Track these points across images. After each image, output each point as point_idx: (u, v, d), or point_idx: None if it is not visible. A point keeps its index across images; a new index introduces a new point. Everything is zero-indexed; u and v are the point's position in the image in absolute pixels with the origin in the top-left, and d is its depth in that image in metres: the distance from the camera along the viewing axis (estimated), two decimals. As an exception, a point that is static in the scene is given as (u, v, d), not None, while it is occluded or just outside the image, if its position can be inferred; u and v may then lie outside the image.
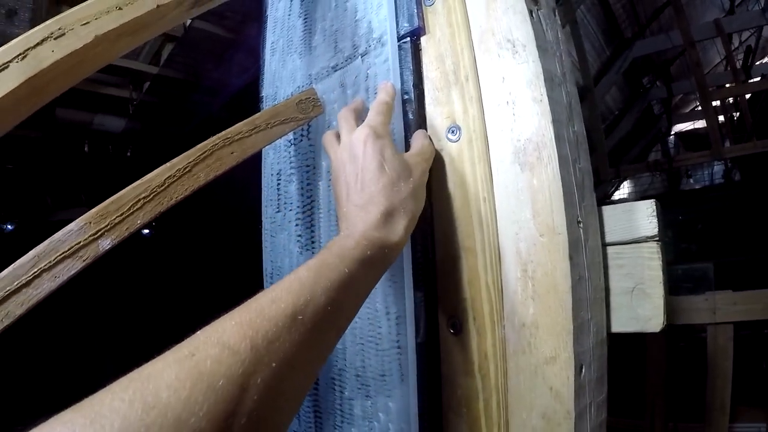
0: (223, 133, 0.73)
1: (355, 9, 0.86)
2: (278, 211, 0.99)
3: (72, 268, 0.62)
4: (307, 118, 0.84)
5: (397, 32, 0.78)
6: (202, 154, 0.71)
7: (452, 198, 0.69)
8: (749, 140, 5.34)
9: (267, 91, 1.07)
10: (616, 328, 0.67)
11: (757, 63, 7.56)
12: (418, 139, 0.70)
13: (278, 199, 0.99)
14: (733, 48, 6.84)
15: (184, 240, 5.13)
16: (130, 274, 4.59)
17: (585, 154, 0.69)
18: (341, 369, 0.82)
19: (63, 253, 0.62)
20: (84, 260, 0.63)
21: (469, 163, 0.68)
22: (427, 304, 0.70)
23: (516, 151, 0.63)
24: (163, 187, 0.67)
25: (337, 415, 0.82)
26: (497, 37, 0.67)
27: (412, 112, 0.74)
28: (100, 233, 0.64)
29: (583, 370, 0.59)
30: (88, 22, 0.65)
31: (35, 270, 0.60)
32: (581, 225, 0.62)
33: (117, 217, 0.65)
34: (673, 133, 9.86)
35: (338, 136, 0.72)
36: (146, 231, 5.15)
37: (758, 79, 6.63)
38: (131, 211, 0.66)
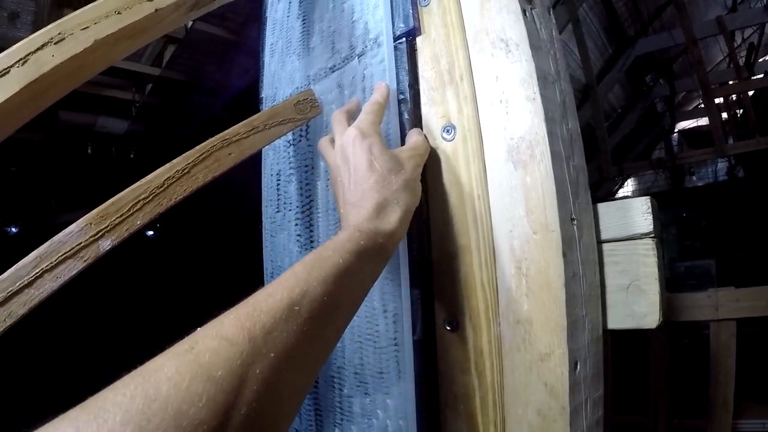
0: (222, 134, 0.74)
1: (352, 10, 0.86)
2: (278, 211, 1.00)
3: (73, 268, 0.63)
4: (305, 118, 0.85)
5: (393, 33, 0.78)
6: (200, 155, 0.71)
7: (448, 196, 0.70)
8: (752, 137, 5.33)
9: (266, 92, 1.08)
10: (612, 325, 0.68)
11: (760, 60, 7.54)
12: (412, 136, 0.71)
13: (278, 200, 1.00)
14: (735, 45, 6.83)
15: (187, 241, 5.14)
16: (134, 274, 4.60)
17: (579, 152, 0.70)
18: (340, 367, 0.83)
19: (64, 253, 0.62)
20: (85, 261, 0.64)
21: (463, 162, 0.68)
22: (424, 301, 0.70)
23: (509, 149, 0.64)
24: (162, 189, 0.68)
25: (337, 413, 0.83)
26: (491, 37, 0.68)
27: (408, 111, 0.75)
28: (100, 234, 0.64)
29: (578, 367, 0.60)
30: (87, 27, 0.66)
31: (37, 270, 0.61)
32: (575, 222, 0.63)
33: (117, 218, 0.65)
34: (676, 130, 9.85)
35: (333, 141, 0.73)
36: (150, 232, 5.18)
37: (761, 76, 6.62)
38: (131, 212, 0.66)
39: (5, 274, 0.60)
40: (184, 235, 5.08)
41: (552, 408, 0.59)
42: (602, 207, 0.70)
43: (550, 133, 0.61)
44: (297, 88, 0.97)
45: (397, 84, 0.76)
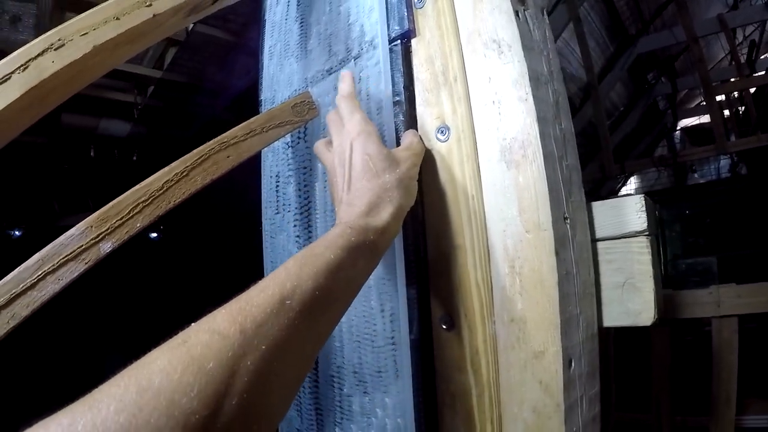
0: (220, 137, 0.75)
1: (348, 13, 0.87)
2: (277, 213, 1.01)
3: (75, 270, 0.64)
4: (303, 121, 0.85)
5: (389, 35, 0.79)
6: (199, 158, 0.72)
7: (442, 196, 0.71)
8: (754, 134, 5.33)
9: (265, 94, 1.09)
10: (607, 322, 0.68)
11: (762, 57, 7.53)
12: (407, 136, 0.72)
13: (277, 201, 1.01)
14: (737, 43, 6.82)
15: (189, 242, 5.16)
16: (139, 275, 4.62)
17: (573, 151, 0.70)
18: (340, 366, 0.83)
19: (66, 256, 0.63)
20: (86, 263, 0.64)
21: (458, 162, 0.69)
22: (420, 301, 0.71)
23: (502, 149, 0.65)
24: (161, 191, 0.69)
25: (337, 412, 0.84)
26: (483, 38, 0.69)
27: (403, 113, 0.75)
28: (101, 237, 0.65)
29: (573, 364, 0.60)
30: (86, 33, 0.67)
31: (39, 273, 0.62)
32: (568, 221, 0.63)
33: (117, 221, 0.66)
34: (678, 128, 9.83)
35: (329, 143, 0.74)
36: (154, 234, 5.20)
37: (762, 73, 6.61)
38: (131, 214, 0.67)
39: (8, 277, 0.61)
40: (187, 236, 5.09)
41: (547, 405, 0.59)
42: (597, 206, 0.71)
43: (543, 134, 0.62)
44: (295, 90, 0.98)
45: (393, 86, 0.77)
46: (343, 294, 0.56)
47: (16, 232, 4.63)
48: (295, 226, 0.94)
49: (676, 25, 6.21)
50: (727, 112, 7.10)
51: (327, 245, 0.55)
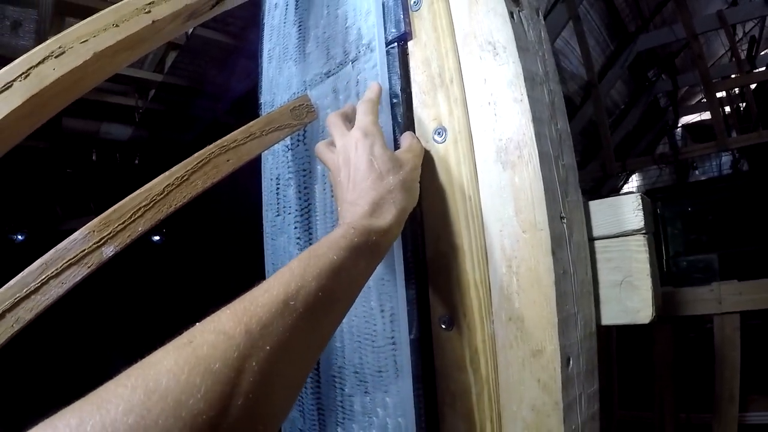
0: (219, 141, 0.76)
1: (346, 16, 0.88)
2: (278, 215, 1.01)
3: (78, 274, 0.65)
4: (302, 124, 0.86)
5: (385, 38, 0.80)
6: (199, 162, 0.73)
7: (440, 197, 0.71)
8: (755, 130, 5.32)
9: (265, 97, 1.09)
10: (606, 320, 0.69)
11: (762, 53, 7.51)
12: (406, 138, 0.73)
13: (278, 204, 1.01)
14: (737, 39, 6.81)
15: (191, 245, 5.16)
16: (142, 278, 4.63)
17: (569, 151, 0.71)
18: (341, 366, 0.84)
19: (69, 260, 0.64)
20: (89, 267, 0.65)
21: (455, 163, 0.70)
22: (419, 301, 0.72)
23: (498, 150, 0.65)
24: (162, 195, 0.70)
25: (339, 412, 0.84)
26: (479, 40, 0.69)
27: (401, 115, 0.76)
28: (103, 241, 0.66)
29: (571, 362, 0.61)
30: (86, 40, 0.67)
31: (43, 277, 0.63)
32: (565, 220, 0.64)
33: (119, 225, 0.67)
34: (680, 125, 9.82)
35: (330, 144, 0.74)
36: (156, 237, 5.21)
37: (763, 69, 6.59)
38: (132, 218, 0.68)
39: (12, 281, 0.62)
40: (189, 239, 5.10)
41: (545, 403, 0.60)
42: (594, 205, 0.71)
43: (538, 134, 0.63)
44: (294, 93, 0.98)
45: (390, 88, 0.78)
46: (346, 294, 0.56)
47: (19, 237, 4.64)
48: (295, 228, 0.95)
49: (676, 22, 6.20)
50: (727, 109, 7.10)
51: (330, 246, 0.55)
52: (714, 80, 5.73)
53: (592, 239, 0.70)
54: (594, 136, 6.09)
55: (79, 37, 0.67)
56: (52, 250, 0.64)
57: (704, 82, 5.37)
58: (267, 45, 1.11)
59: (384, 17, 0.81)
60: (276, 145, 0.87)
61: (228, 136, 0.77)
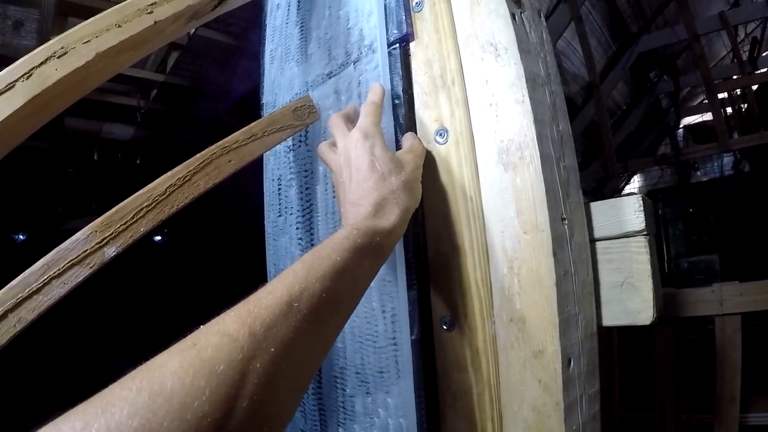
0: (221, 142, 0.76)
1: (348, 17, 0.88)
2: (280, 216, 1.01)
3: (80, 275, 0.65)
4: (303, 125, 0.86)
5: (387, 39, 0.80)
6: (201, 163, 0.73)
7: (442, 198, 0.71)
8: (756, 131, 5.32)
9: (267, 98, 1.10)
10: (607, 322, 0.69)
11: (764, 54, 7.50)
12: (408, 139, 0.73)
13: (279, 204, 1.02)
14: (738, 40, 6.80)
15: (193, 245, 5.17)
16: (144, 278, 4.63)
17: (570, 152, 0.71)
18: (342, 367, 0.84)
19: (71, 260, 0.64)
20: (91, 267, 0.65)
21: (456, 164, 0.70)
22: (421, 301, 0.72)
23: (500, 151, 0.65)
24: (164, 196, 0.70)
25: (340, 412, 0.85)
26: (481, 41, 0.69)
27: (403, 116, 0.76)
28: (105, 241, 0.66)
29: (572, 363, 0.61)
30: (89, 41, 0.68)
31: (45, 277, 0.63)
32: (566, 222, 0.64)
33: (121, 225, 0.67)
34: (681, 126, 9.81)
35: (332, 145, 0.75)
36: (158, 237, 5.21)
37: (765, 70, 6.60)
38: (135, 219, 0.68)
39: (15, 281, 0.62)
40: (191, 239, 5.10)
41: (546, 404, 0.60)
42: (595, 206, 0.71)
43: (540, 135, 0.63)
44: (296, 94, 0.98)
45: (392, 89, 0.78)
46: (349, 295, 0.56)
47: (21, 236, 4.65)
48: (297, 228, 0.95)
49: (678, 23, 6.19)
50: (729, 110, 7.09)
51: (333, 247, 0.55)
52: (716, 81, 5.72)
53: (593, 240, 0.70)
54: (596, 136, 6.08)
55: (82, 37, 0.68)
56: (55, 251, 0.64)
57: (706, 83, 5.37)
58: (269, 46, 1.12)
59: (386, 18, 0.81)
60: (278, 146, 0.87)
61: (230, 136, 0.77)
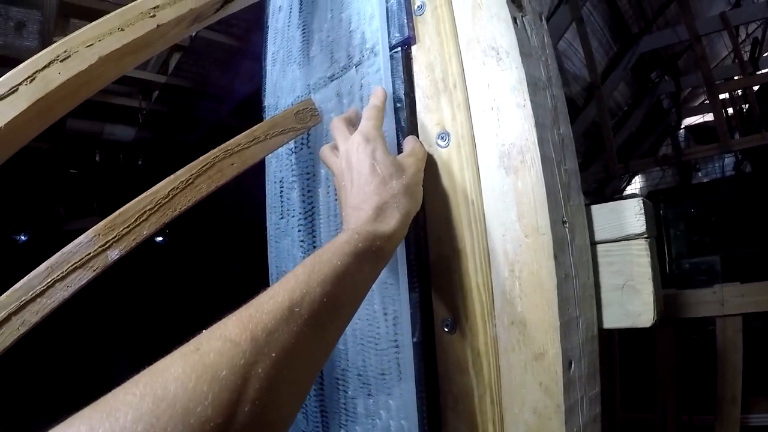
0: (224, 145, 0.76)
1: (350, 20, 0.88)
2: (282, 218, 1.02)
3: (83, 277, 0.65)
4: (305, 127, 0.87)
5: (389, 42, 0.80)
6: (203, 166, 0.73)
7: (443, 202, 0.71)
8: (758, 132, 5.31)
9: (269, 101, 1.10)
10: (607, 324, 0.69)
11: (765, 55, 7.49)
12: (409, 142, 0.73)
13: (281, 206, 1.02)
14: (740, 40, 6.80)
15: (195, 247, 5.17)
16: (145, 279, 4.63)
17: (571, 156, 0.71)
18: (344, 369, 0.84)
19: (74, 263, 0.65)
20: (94, 270, 0.66)
21: (458, 168, 0.70)
22: (422, 304, 0.72)
23: (501, 155, 0.66)
24: (167, 199, 0.71)
25: (342, 414, 0.85)
26: (482, 45, 0.70)
27: (404, 119, 0.76)
28: (108, 244, 0.67)
29: (573, 366, 0.61)
30: (92, 44, 0.68)
31: (49, 280, 0.63)
32: (567, 225, 0.64)
33: (124, 228, 0.68)
34: (683, 126, 9.80)
35: (334, 148, 0.75)
36: (160, 239, 5.21)
37: (766, 70, 6.59)
38: (138, 222, 0.69)
39: (18, 284, 0.62)
40: (193, 241, 5.10)
41: (547, 406, 0.60)
42: (596, 209, 0.71)
43: (541, 139, 0.63)
44: (298, 96, 0.99)
45: (394, 92, 0.78)
46: (350, 300, 0.56)
47: (23, 237, 4.65)
48: (299, 231, 0.96)
49: (679, 24, 6.18)
50: (730, 110, 7.08)
51: (334, 251, 0.56)
52: (717, 82, 5.71)
53: (594, 243, 0.71)
54: (597, 137, 6.08)
55: (85, 41, 0.68)
56: (58, 254, 0.65)
57: (707, 83, 5.36)
58: (271, 48, 1.12)
59: (388, 21, 0.81)
60: (280, 149, 0.87)
61: (232, 140, 0.77)
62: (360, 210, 0.62)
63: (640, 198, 0.67)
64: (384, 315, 0.77)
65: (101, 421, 0.36)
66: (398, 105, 0.77)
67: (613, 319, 0.69)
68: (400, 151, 0.75)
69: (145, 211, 0.69)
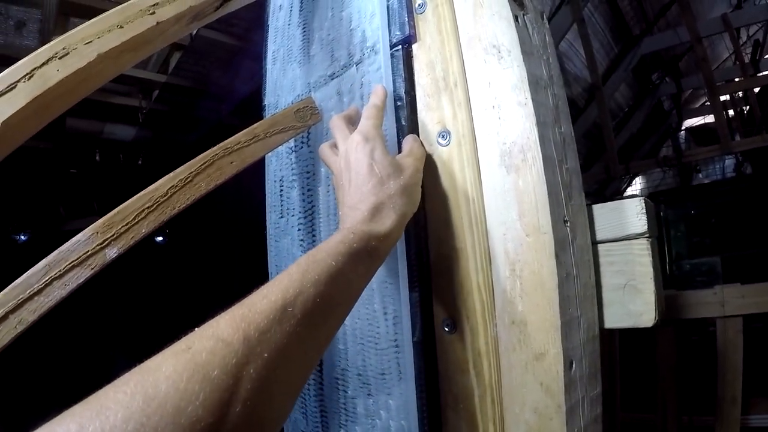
0: (223, 143, 0.76)
1: (350, 18, 0.88)
2: (281, 217, 1.01)
3: (81, 276, 0.65)
4: (306, 126, 0.86)
5: (390, 40, 0.80)
6: (203, 164, 0.73)
7: (444, 201, 0.71)
8: (758, 134, 5.31)
9: (269, 99, 1.10)
10: (609, 324, 0.69)
11: (766, 56, 7.50)
12: (408, 142, 0.73)
13: (281, 205, 1.01)
14: (741, 42, 6.80)
15: (195, 246, 5.17)
16: (144, 278, 4.63)
17: (573, 155, 0.71)
18: (344, 369, 0.84)
19: (72, 262, 0.64)
20: (92, 269, 0.65)
21: (458, 167, 0.70)
22: (422, 304, 0.72)
23: (502, 153, 0.65)
24: (166, 197, 0.70)
25: (342, 414, 0.84)
26: (483, 43, 0.69)
27: (405, 118, 0.76)
28: (106, 242, 0.66)
29: (574, 366, 0.61)
30: (90, 41, 0.68)
31: (46, 279, 0.63)
32: (568, 224, 0.64)
33: (122, 226, 0.67)
34: (683, 128, 9.80)
35: (333, 146, 0.75)
36: (160, 238, 5.21)
37: (767, 72, 6.59)
38: (136, 220, 0.68)
39: (16, 282, 0.62)
40: (193, 240, 5.10)
41: (548, 406, 0.60)
42: (597, 208, 0.71)
43: (542, 138, 0.63)
44: (298, 95, 0.98)
45: (394, 91, 0.78)
46: (344, 299, 0.56)
47: (22, 237, 4.65)
48: (299, 230, 0.95)
49: (680, 25, 6.19)
50: (731, 112, 7.09)
51: (329, 251, 0.55)
52: (718, 83, 5.72)
53: (595, 243, 0.70)
54: (598, 138, 6.09)
55: (84, 38, 0.68)
56: (56, 252, 0.64)
57: (708, 85, 5.36)
58: (271, 47, 1.12)
59: (388, 20, 0.81)
60: (280, 147, 0.87)
61: (232, 138, 0.77)
62: (356, 209, 0.62)
63: (642, 198, 0.67)
64: (384, 314, 0.76)
65: (91, 420, 0.35)
66: (399, 103, 0.77)
67: (614, 319, 0.68)
68: (399, 149, 0.74)
69: (144, 209, 0.69)
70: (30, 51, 0.65)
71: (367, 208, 0.61)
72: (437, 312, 0.72)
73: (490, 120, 0.67)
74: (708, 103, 6.90)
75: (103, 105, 4.30)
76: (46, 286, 0.62)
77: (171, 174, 0.71)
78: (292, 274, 0.51)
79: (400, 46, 0.79)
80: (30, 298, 0.61)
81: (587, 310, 0.66)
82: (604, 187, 7.47)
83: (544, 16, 0.77)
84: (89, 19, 0.69)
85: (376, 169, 0.65)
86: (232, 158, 0.75)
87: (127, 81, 4.21)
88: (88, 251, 0.65)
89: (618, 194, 8.78)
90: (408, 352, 0.72)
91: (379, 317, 0.77)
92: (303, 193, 0.95)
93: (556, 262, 0.60)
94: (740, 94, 6.95)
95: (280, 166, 1.02)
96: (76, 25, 0.69)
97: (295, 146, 0.98)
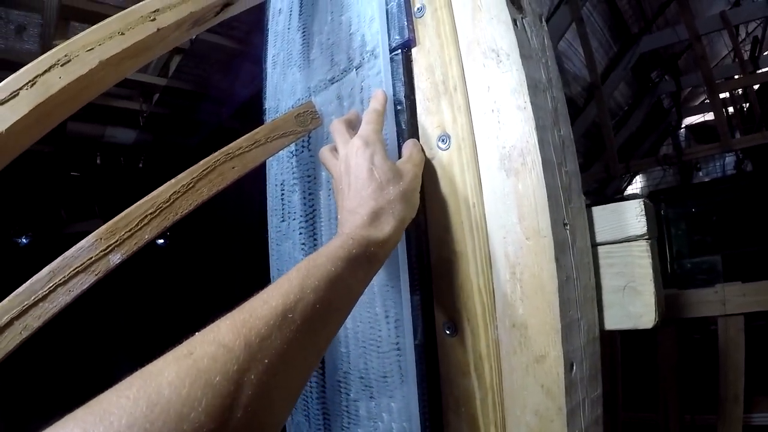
0: (225, 148, 0.76)
1: (350, 23, 0.88)
2: (283, 221, 1.02)
3: (85, 282, 0.65)
4: (306, 130, 0.87)
5: (389, 44, 0.80)
6: (204, 170, 0.74)
7: (444, 204, 0.71)
8: (758, 131, 5.30)
9: (269, 103, 1.10)
10: (609, 326, 0.69)
11: (765, 53, 7.49)
12: (407, 147, 0.73)
13: (282, 209, 1.02)
14: (740, 40, 6.79)
15: (196, 249, 5.17)
16: (146, 281, 4.64)
17: (572, 157, 0.71)
18: (346, 372, 0.84)
19: (76, 268, 0.65)
20: (96, 274, 0.66)
21: (458, 171, 0.70)
22: (424, 307, 0.72)
23: (502, 157, 0.66)
24: (168, 203, 0.71)
25: (344, 417, 0.85)
26: (482, 47, 0.70)
27: (405, 122, 0.76)
28: (110, 248, 0.67)
29: (574, 368, 0.61)
30: (92, 48, 0.68)
31: (51, 285, 0.63)
32: (568, 227, 0.64)
33: (126, 232, 0.68)
34: (683, 126, 9.79)
35: (334, 150, 0.75)
36: (161, 241, 5.22)
37: (766, 69, 6.58)
38: (139, 226, 0.69)
39: (20, 289, 0.62)
40: (195, 243, 5.11)
41: (549, 409, 0.60)
42: (597, 210, 0.71)
43: (541, 141, 0.63)
44: (298, 99, 0.99)
45: (394, 95, 0.78)
46: (343, 304, 0.57)
47: (24, 240, 4.65)
48: (300, 233, 0.96)
49: (679, 23, 6.18)
50: (731, 110, 7.08)
51: (328, 256, 0.56)
52: (717, 81, 5.71)
53: (595, 245, 0.71)
54: (597, 137, 6.08)
55: (85, 45, 0.68)
56: (60, 258, 0.65)
57: (707, 83, 5.36)
58: (271, 51, 1.12)
59: (388, 24, 0.81)
60: (281, 151, 0.87)
61: (233, 143, 0.77)
62: (355, 214, 0.62)
63: (641, 199, 0.67)
64: (386, 318, 0.77)
65: (95, 425, 0.36)
66: (398, 107, 0.77)
67: (614, 321, 0.69)
68: (399, 154, 0.75)
69: (147, 215, 0.69)
70: (30, 55, 0.66)
71: (366, 213, 0.62)
72: (438, 315, 0.72)
73: (490, 124, 0.68)
74: (707, 101, 6.87)
75: (104, 108, 4.31)
76: (51, 292, 0.63)
77: (173, 180, 0.72)
78: (292, 280, 0.52)
79: (399, 50, 0.79)
80: (34, 304, 0.62)
81: (587, 313, 0.66)
82: (604, 186, 7.45)
83: (543, 19, 0.77)
84: (90, 24, 0.70)
85: (376, 174, 0.65)
86: (233, 163, 0.76)
87: (127, 84, 4.21)
88: (92, 257, 0.65)
89: (618, 193, 8.77)
90: (409, 355, 0.72)
91: (381, 320, 0.77)
92: (304, 197, 0.95)
93: (556, 265, 0.60)
94: (740, 91, 6.94)
95: (281, 170, 1.03)
96: (76, 30, 0.69)
97: (296, 150, 0.98)
